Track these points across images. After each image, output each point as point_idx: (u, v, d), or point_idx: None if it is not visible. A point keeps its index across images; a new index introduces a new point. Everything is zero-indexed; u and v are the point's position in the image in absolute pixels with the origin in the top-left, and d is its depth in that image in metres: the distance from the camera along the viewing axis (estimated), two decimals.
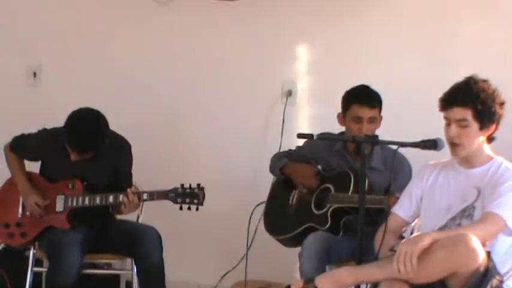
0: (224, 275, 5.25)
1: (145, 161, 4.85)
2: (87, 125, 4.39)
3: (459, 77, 3.82)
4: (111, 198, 4.40)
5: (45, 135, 4.65)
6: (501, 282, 3.54)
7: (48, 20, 5.64)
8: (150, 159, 5.14)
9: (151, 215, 4.69)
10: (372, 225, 3.98)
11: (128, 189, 4.38)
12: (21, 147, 4.66)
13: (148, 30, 5.55)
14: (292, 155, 4.76)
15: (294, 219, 4.60)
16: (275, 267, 5.22)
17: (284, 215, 4.66)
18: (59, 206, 4.48)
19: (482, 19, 5.02)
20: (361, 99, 4.48)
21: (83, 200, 4.44)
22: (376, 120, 4.49)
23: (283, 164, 4.68)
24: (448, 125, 3.71)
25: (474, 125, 3.66)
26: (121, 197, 4.37)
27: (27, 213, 4.56)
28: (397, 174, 4.30)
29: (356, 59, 5.24)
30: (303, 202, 4.61)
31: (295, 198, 4.66)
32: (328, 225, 4.42)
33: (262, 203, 4.80)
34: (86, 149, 4.41)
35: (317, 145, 4.61)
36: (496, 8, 5.00)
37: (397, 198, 4.04)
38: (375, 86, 4.59)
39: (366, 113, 4.45)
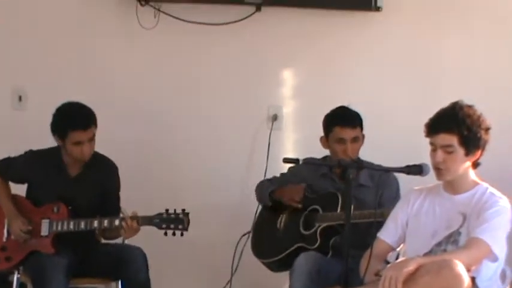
0: None
1: (130, 182, 4.83)
2: (77, 103, 4.54)
3: (442, 100, 3.85)
4: (105, 223, 4.38)
5: (31, 156, 4.64)
6: None
7: (33, 42, 5.63)
8: (134, 181, 5.10)
9: (135, 239, 4.65)
10: (360, 248, 3.99)
11: (126, 214, 4.37)
12: (6, 169, 4.65)
13: (135, 54, 5.54)
14: (277, 182, 4.76)
15: (283, 242, 4.60)
16: None
17: (273, 239, 4.66)
18: (44, 230, 4.45)
19: (465, 44, 5.05)
20: (342, 120, 4.51)
21: (68, 224, 4.41)
22: (359, 140, 4.52)
23: (272, 190, 4.70)
24: (434, 150, 3.72)
25: (460, 151, 3.68)
26: (117, 222, 4.36)
27: (12, 237, 4.52)
28: (385, 189, 4.36)
29: (341, 83, 5.25)
30: (291, 224, 4.61)
31: (283, 222, 4.66)
32: (317, 244, 4.43)
33: (247, 233, 4.81)
34: (88, 120, 4.45)
35: (302, 169, 4.62)
36: (479, 32, 5.03)
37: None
38: (359, 108, 4.62)
39: (348, 133, 4.48)
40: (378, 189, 4.18)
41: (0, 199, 4.61)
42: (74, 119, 4.46)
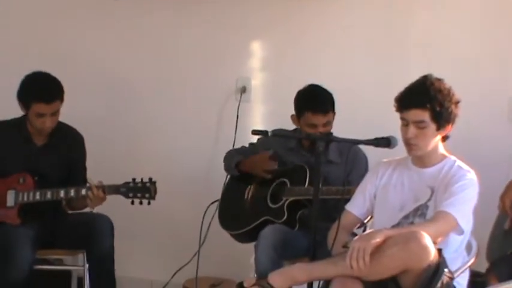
0: (176, 272, 5.22)
1: (97, 154, 4.80)
2: (46, 75, 4.47)
3: (411, 74, 3.84)
4: (72, 192, 4.33)
5: None
6: (452, 279, 3.58)
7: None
8: (102, 152, 5.07)
9: (102, 208, 4.61)
10: (328, 221, 4.01)
11: (92, 184, 4.33)
12: None
13: (102, 25, 5.50)
14: (245, 152, 4.75)
15: (250, 214, 4.61)
16: (227, 265, 5.24)
17: (240, 210, 4.66)
18: (10, 201, 4.40)
19: (434, 17, 5.05)
20: (314, 107, 4.45)
21: (34, 195, 4.37)
22: (330, 123, 4.49)
23: (238, 161, 4.68)
24: (405, 125, 3.71)
25: (432, 126, 3.68)
26: (83, 191, 4.32)
27: None
28: (354, 166, 4.36)
29: (310, 56, 5.24)
30: (258, 197, 4.62)
31: (250, 193, 4.66)
32: (284, 218, 4.43)
33: (216, 201, 4.81)
34: (53, 94, 4.39)
35: (271, 142, 4.61)
36: (448, 4, 5.03)
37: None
38: (328, 82, 4.59)
39: (320, 120, 4.44)
40: (347, 165, 4.18)
41: None
42: (39, 90, 4.41)
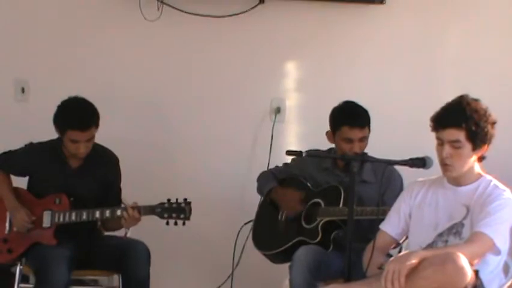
0: None
1: (132, 176, 4.82)
2: (84, 102, 4.51)
3: (445, 93, 3.85)
4: (107, 213, 4.37)
5: (32, 149, 4.64)
6: None
7: (36, 34, 5.62)
8: (136, 174, 5.09)
9: (137, 230, 4.65)
10: (362, 242, 3.99)
11: (127, 204, 4.36)
12: (7, 162, 4.64)
13: (138, 47, 5.53)
14: (279, 174, 4.76)
15: (284, 234, 4.59)
16: (261, 286, 5.22)
17: (274, 231, 4.65)
18: (46, 222, 4.44)
19: (468, 35, 5.06)
20: (351, 121, 4.45)
21: (70, 216, 4.41)
22: (366, 139, 4.48)
23: (270, 188, 4.70)
24: (440, 145, 3.70)
25: (467, 146, 3.67)
26: (119, 212, 4.35)
27: (14, 229, 4.52)
28: (388, 186, 4.34)
29: (344, 76, 5.26)
30: (292, 217, 4.60)
31: (284, 215, 4.65)
32: (318, 239, 4.41)
33: (249, 221, 4.81)
34: (88, 122, 4.42)
35: (305, 162, 4.60)
36: (482, 23, 5.02)
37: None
38: (362, 102, 4.58)
39: (356, 134, 4.43)
40: (382, 185, 4.16)
41: (2, 192, 4.60)
42: (74, 118, 4.44)
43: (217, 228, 5.31)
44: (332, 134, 4.54)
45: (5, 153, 4.69)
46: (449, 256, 3.41)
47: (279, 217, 4.67)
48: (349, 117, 4.49)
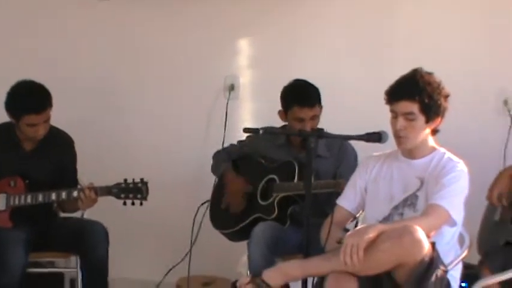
0: (168, 272, 5.22)
1: (87, 158, 4.78)
2: (34, 84, 4.43)
3: (400, 68, 3.85)
4: (63, 195, 4.33)
5: None
6: (445, 272, 3.60)
7: None
8: (91, 155, 5.06)
9: (94, 211, 4.62)
10: (319, 216, 4.01)
11: (84, 185, 4.32)
12: None
13: (90, 27, 5.48)
14: (234, 153, 4.77)
15: (240, 212, 4.61)
16: (219, 263, 5.25)
17: (230, 209, 4.65)
18: (1, 205, 4.39)
19: (418, 10, 5.09)
20: (301, 100, 4.47)
21: (25, 198, 4.37)
22: (317, 117, 4.50)
23: (223, 170, 4.72)
24: (394, 117, 3.74)
25: (421, 118, 3.70)
26: (75, 193, 4.31)
27: None
28: (343, 160, 4.36)
29: (297, 52, 5.27)
30: (248, 195, 4.62)
31: (224, 203, 4.68)
32: (275, 215, 4.44)
33: (206, 201, 4.81)
34: (43, 104, 4.36)
35: (260, 139, 4.61)
36: None
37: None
38: (316, 79, 4.59)
39: (307, 113, 4.45)
40: (337, 160, 4.18)
41: None
42: (28, 102, 4.37)
43: (174, 208, 5.31)
44: (284, 114, 4.56)
45: None
46: (406, 229, 3.45)
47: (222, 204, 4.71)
48: (299, 97, 4.50)
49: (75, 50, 5.49)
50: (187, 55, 5.42)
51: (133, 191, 4.24)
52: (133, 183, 4.26)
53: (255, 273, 3.69)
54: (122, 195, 4.25)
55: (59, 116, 4.57)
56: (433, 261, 3.49)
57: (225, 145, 5.00)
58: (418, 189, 3.76)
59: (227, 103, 5.32)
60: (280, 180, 4.50)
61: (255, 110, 5.38)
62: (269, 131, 4.10)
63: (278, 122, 4.64)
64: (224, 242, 4.80)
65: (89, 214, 4.68)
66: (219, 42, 5.36)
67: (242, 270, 4.65)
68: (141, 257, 5.48)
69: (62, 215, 4.68)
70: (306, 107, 4.45)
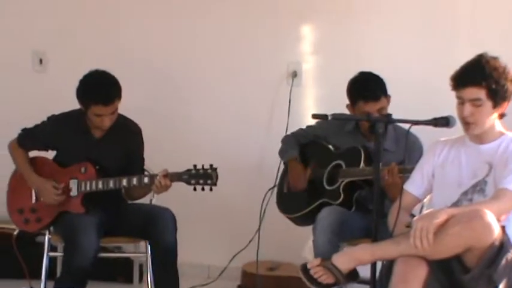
0: (234, 256, 5.29)
1: (154, 145, 4.86)
2: (106, 75, 4.49)
3: (461, 54, 3.85)
4: (134, 181, 4.38)
5: (54, 121, 4.65)
6: None
7: (52, 5, 5.64)
8: (158, 144, 5.13)
9: (162, 197, 4.69)
10: (382, 202, 4.04)
11: (159, 172, 4.35)
12: (31, 138, 4.64)
13: (154, 11, 5.55)
14: (302, 138, 4.80)
15: (306, 197, 4.65)
16: (285, 248, 5.29)
17: (297, 194, 4.70)
18: (73, 191, 4.48)
19: None
20: (365, 95, 4.46)
21: (97, 184, 4.44)
22: (384, 108, 4.49)
23: (288, 159, 4.77)
24: (461, 104, 3.73)
25: (488, 104, 3.70)
26: (146, 180, 4.37)
27: (41, 199, 4.55)
28: (410, 154, 4.34)
29: (360, 38, 5.26)
30: (314, 179, 4.66)
31: (307, 177, 4.70)
32: (340, 200, 4.46)
33: (273, 187, 4.86)
34: (111, 96, 4.42)
35: (328, 125, 4.65)
36: None
37: (389, 169, 4.16)
38: (380, 66, 4.60)
39: (372, 107, 4.44)
40: (403, 155, 4.18)
41: (24, 170, 4.62)
42: (97, 93, 4.43)
43: (239, 194, 5.37)
44: (352, 107, 4.57)
45: (24, 131, 4.69)
46: (476, 213, 3.46)
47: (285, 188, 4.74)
48: (363, 91, 4.49)
49: (142, 36, 5.57)
50: (250, 42, 5.45)
51: (203, 177, 4.28)
52: (203, 169, 4.30)
53: (325, 258, 3.72)
54: (192, 181, 4.28)
55: (125, 105, 4.62)
56: (503, 245, 3.50)
57: (288, 132, 5.03)
58: (487, 175, 3.75)
59: (290, 90, 5.35)
60: (347, 166, 4.53)
61: (318, 97, 5.39)
62: (337, 117, 4.10)
63: (341, 109, 4.63)
64: (289, 228, 4.84)
65: (156, 200, 4.76)
66: (282, 28, 5.39)
67: (307, 255, 4.69)
68: (207, 242, 5.54)
69: (130, 202, 4.75)
70: (371, 101, 4.45)
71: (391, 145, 4.51)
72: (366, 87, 4.51)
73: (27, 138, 4.66)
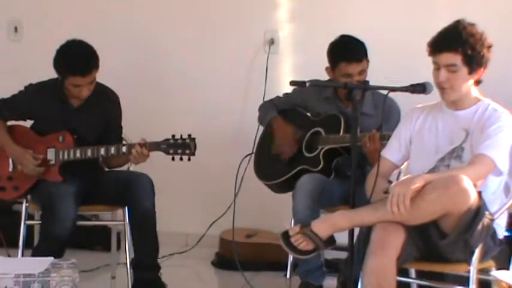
0: (212, 224, 5.31)
1: (131, 114, 4.84)
2: (83, 45, 4.45)
3: (442, 20, 3.85)
4: (112, 150, 4.37)
5: (32, 90, 4.61)
6: (492, 220, 3.63)
7: None
8: (134, 110, 5.09)
9: (139, 167, 4.67)
10: (363, 168, 4.05)
11: (136, 142, 4.34)
12: (8, 108, 4.60)
13: None
14: (280, 104, 4.79)
15: (285, 164, 4.65)
16: (262, 216, 5.33)
17: (275, 160, 4.70)
18: (50, 159, 4.45)
19: None
20: (348, 56, 4.48)
21: (74, 153, 4.42)
22: (364, 71, 4.51)
23: (271, 118, 4.74)
24: (437, 69, 3.74)
25: (463, 70, 3.70)
26: (124, 149, 4.36)
27: (19, 167, 4.51)
28: (388, 119, 4.37)
29: (336, 5, 5.27)
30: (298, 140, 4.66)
31: (273, 150, 4.71)
32: (320, 167, 4.48)
33: (250, 154, 4.85)
34: (89, 67, 4.39)
35: (306, 92, 4.63)
36: None
37: (370, 136, 4.17)
38: (358, 32, 4.60)
39: (354, 68, 4.46)
40: (381, 118, 4.20)
41: (2, 141, 4.56)
42: (74, 63, 4.39)
43: (216, 162, 5.40)
44: (331, 70, 4.57)
45: (2, 99, 4.64)
46: (453, 178, 3.48)
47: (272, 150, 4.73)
48: (346, 52, 4.51)
49: (116, 5, 5.55)
50: (227, 11, 5.45)
51: (181, 146, 4.27)
52: (182, 139, 4.28)
53: (304, 224, 3.73)
54: (171, 151, 4.27)
55: (102, 73, 4.57)
56: (480, 210, 3.53)
57: (266, 99, 5.02)
58: (463, 141, 3.77)
59: (267, 58, 5.36)
60: (326, 133, 4.53)
61: (295, 64, 5.41)
62: (315, 83, 4.09)
63: (319, 76, 4.61)
64: (266, 195, 4.86)
65: (133, 168, 4.71)
66: None
67: (285, 224, 4.71)
68: (184, 211, 5.57)
69: (107, 169, 4.74)
70: (354, 62, 4.46)
71: (370, 109, 4.53)
72: (349, 48, 4.53)
73: (4, 109, 4.61)
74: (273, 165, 4.72)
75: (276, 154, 4.70)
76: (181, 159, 4.28)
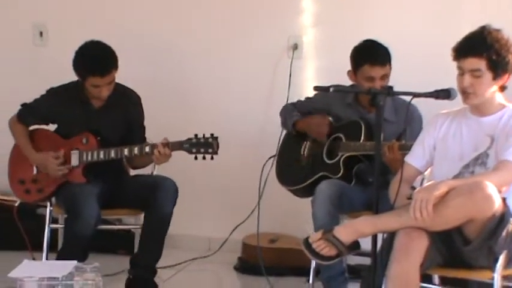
0: (235, 228, 5.31)
1: (154, 115, 4.87)
2: (101, 45, 4.51)
3: (466, 26, 3.85)
4: (136, 150, 4.39)
5: (53, 94, 4.65)
6: None
7: None
8: (158, 113, 5.14)
9: (162, 171, 4.70)
10: (385, 175, 4.04)
11: (152, 142, 4.37)
12: (31, 113, 4.65)
13: None
14: (301, 107, 4.78)
15: (306, 170, 4.65)
16: (285, 220, 5.31)
17: (297, 166, 4.70)
18: (74, 161, 4.49)
19: None
20: (372, 59, 4.46)
21: (98, 154, 4.45)
22: (387, 76, 4.49)
23: (295, 120, 4.72)
24: (461, 74, 3.72)
25: (488, 75, 3.69)
26: (147, 149, 4.37)
27: (44, 171, 4.54)
28: (409, 125, 4.35)
29: (360, 10, 5.25)
30: (314, 152, 4.66)
31: (306, 149, 4.70)
32: (340, 174, 4.46)
33: (273, 156, 4.84)
34: (108, 66, 4.43)
35: (328, 97, 4.62)
36: None
37: (389, 146, 4.16)
38: (381, 38, 4.58)
39: (378, 72, 4.45)
40: (403, 125, 4.18)
41: (24, 146, 4.62)
42: (93, 64, 4.44)
43: (240, 166, 5.38)
44: (353, 73, 4.55)
45: (24, 106, 4.69)
46: (477, 184, 3.46)
47: (301, 152, 4.71)
48: (370, 55, 4.49)
49: (139, 10, 5.56)
50: (251, 15, 5.44)
51: (204, 145, 4.28)
52: (204, 138, 4.30)
53: (326, 230, 3.72)
54: (193, 150, 4.28)
55: (123, 75, 4.62)
56: (504, 216, 3.52)
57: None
58: (488, 148, 3.75)
59: (291, 62, 5.35)
60: (346, 139, 4.52)
61: (319, 69, 5.39)
62: (339, 89, 4.09)
63: (342, 81, 4.58)
64: (290, 200, 4.84)
65: (157, 172, 4.75)
66: (282, 1, 5.38)
67: (307, 228, 4.70)
68: (208, 214, 5.55)
69: (132, 172, 4.76)
70: (377, 66, 4.44)
71: (391, 115, 4.50)
72: (374, 51, 4.51)
73: (27, 114, 4.66)
74: (294, 170, 4.72)
75: (297, 160, 4.71)
76: (204, 158, 4.29)
